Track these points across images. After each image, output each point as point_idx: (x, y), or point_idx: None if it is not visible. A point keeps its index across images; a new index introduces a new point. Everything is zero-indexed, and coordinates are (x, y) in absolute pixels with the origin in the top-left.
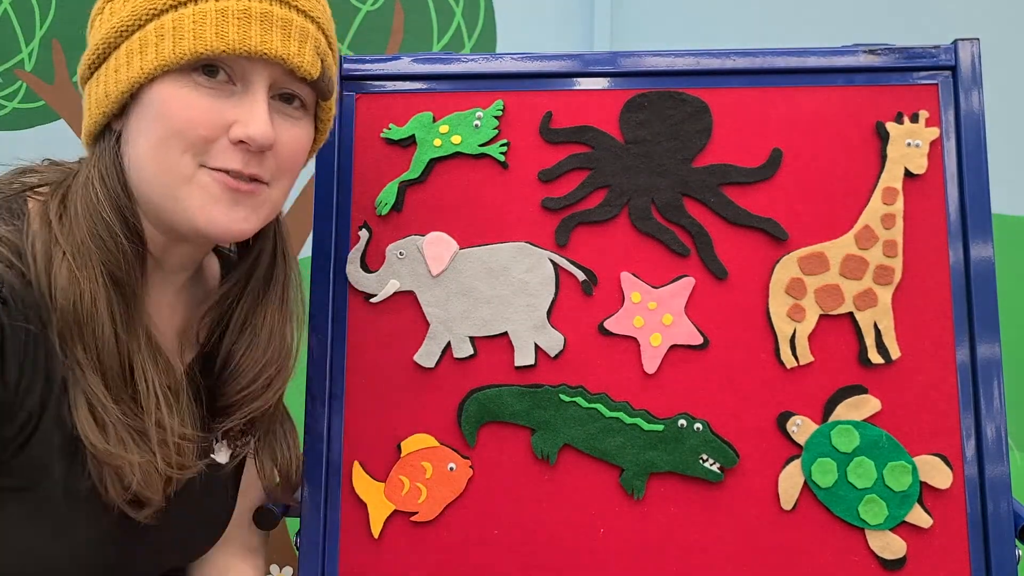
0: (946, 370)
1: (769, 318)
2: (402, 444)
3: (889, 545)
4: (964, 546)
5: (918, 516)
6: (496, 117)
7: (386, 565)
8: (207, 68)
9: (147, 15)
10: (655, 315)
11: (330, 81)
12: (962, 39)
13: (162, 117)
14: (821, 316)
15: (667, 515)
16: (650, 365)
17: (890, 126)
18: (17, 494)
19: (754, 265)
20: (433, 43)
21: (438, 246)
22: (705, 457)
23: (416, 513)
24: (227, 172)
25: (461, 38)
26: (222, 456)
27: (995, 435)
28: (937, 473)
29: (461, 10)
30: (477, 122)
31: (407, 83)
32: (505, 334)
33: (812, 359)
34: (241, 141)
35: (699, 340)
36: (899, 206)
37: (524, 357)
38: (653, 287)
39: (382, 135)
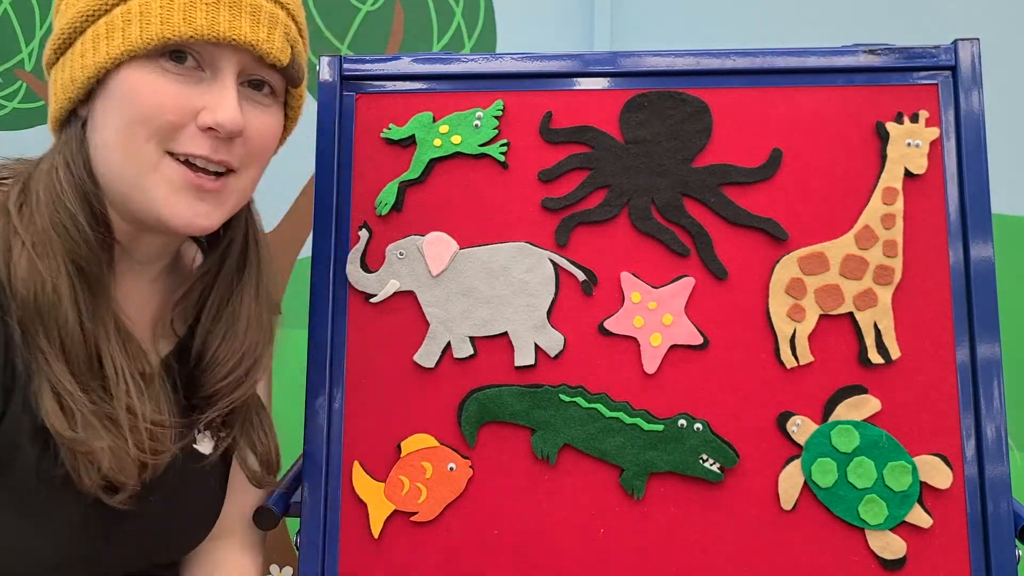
0: (946, 370)
1: (769, 318)
2: (402, 444)
3: (889, 545)
4: (964, 546)
5: (918, 516)
6: (496, 117)
7: (386, 565)
8: (175, 54)
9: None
10: (655, 315)
11: (300, 68)
12: (962, 39)
13: (129, 103)
14: (821, 316)
15: (667, 515)
16: (650, 365)
17: (890, 126)
18: None
19: (754, 265)
20: (433, 43)
21: (438, 246)
22: (705, 457)
23: (416, 513)
24: (194, 158)
25: (461, 38)
26: (205, 447)
27: (995, 435)
28: (937, 473)
29: (461, 10)
30: (477, 122)
31: (407, 83)
32: (505, 334)
33: (812, 359)
34: (210, 128)
35: (699, 340)
36: (899, 206)
37: (524, 357)
38: (653, 287)
39: (382, 135)
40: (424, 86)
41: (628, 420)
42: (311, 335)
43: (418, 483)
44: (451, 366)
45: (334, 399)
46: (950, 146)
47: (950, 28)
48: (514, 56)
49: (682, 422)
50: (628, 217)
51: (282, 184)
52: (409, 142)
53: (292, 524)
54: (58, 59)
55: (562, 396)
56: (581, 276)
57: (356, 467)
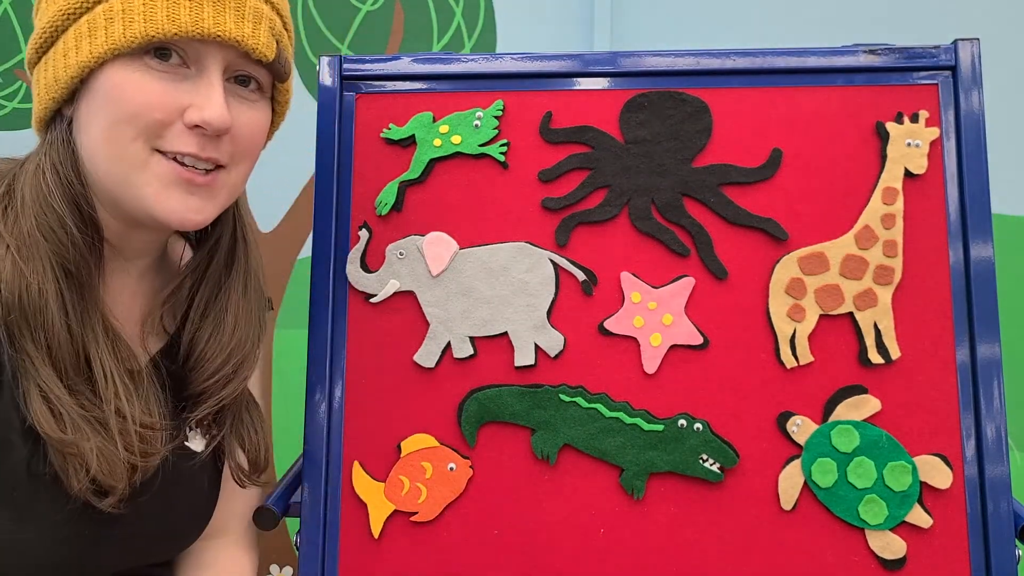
0: (946, 370)
1: (769, 318)
2: (402, 444)
3: (889, 545)
4: (964, 546)
5: (918, 516)
6: (496, 117)
7: (386, 565)
8: (159, 51)
9: None
10: (655, 315)
11: (286, 63)
12: (962, 39)
13: (114, 102)
14: (821, 316)
15: (667, 515)
16: (650, 365)
17: (890, 126)
18: None
19: (754, 265)
20: (433, 43)
21: (438, 246)
22: (705, 457)
23: (416, 513)
24: (183, 158)
25: (461, 38)
26: (197, 444)
27: (995, 435)
28: (937, 473)
29: (461, 10)
30: (477, 122)
31: (407, 83)
32: (505, 334)
33: (812, 359)
34: (197, 125)
35: (699, 340)
36: (899, 206)
37: (524, 357)
38: (653, 287)
39: (382, 135)
40: (424, 86)
41: (628, 420)
42: (311, 335)
43: (418, 483)
44: (451, 366)
45: (334, 399)
46: (950, 146)
47: (950, 28)
48: (514, 56)
49: (682, 422)
50: (628, 217)
51: (282, 184)
52: (409, 142)
53: (292, 524)
54: (40, 59)
55: (562, 396)
56: (581, 276)
57: (356, 467)
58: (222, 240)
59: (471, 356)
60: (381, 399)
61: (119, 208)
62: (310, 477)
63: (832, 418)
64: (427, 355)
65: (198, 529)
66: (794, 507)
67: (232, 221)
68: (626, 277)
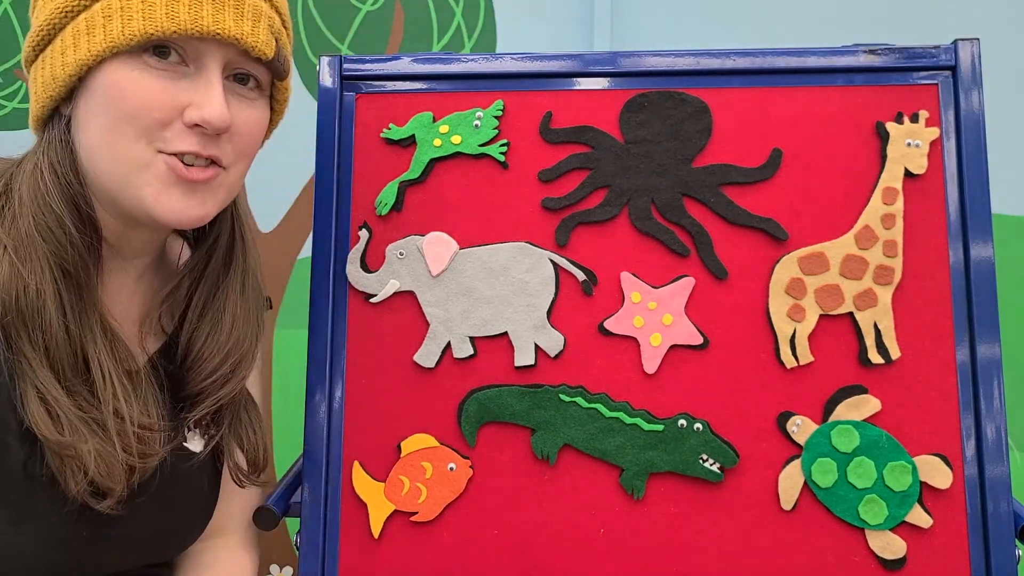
0: (946, 370)
1: (769, 318)
2: (402, 444)
3: (889, 545)
4: (964, 546)
5: (918, 516)
6: (496, 117)
7: (386, 565)
8: (158, 49)
9: None
10: (655, 315)
11: (285, 61)
12: (962, 39)
13: (113, 101)
14: (821, 316)
15: (667, 515)
16: (650, 365)
17: (890, 126)
18: None
19: (754, 265)
20: (433, 43)
21: (438, 246)
22: (705, 457)
23: (416, 513)
24: (183, 156)
25: (461, 38)
26: (195, 445)
27: (995, 435)
28: (937, 473)
29: (461, 10)
30: (477, 122)
31: (407, 83)
32: (505, 334)
33: (812, 359)
34: (197, 124)
35: (699, 340)
36: (899, 206)
37: (524, 357)
38: (653, 287)
39: (382, 135)
40: (424, 86)
41: (628, 420)
42: (311, 335)
43: (418, 483)
44: (451, 366)
45: (334, 399)
46: (950, 146)
47: (950, 28)
48: (514, 56)
49: (682, 422)
50: (628, 217)
51: (282, 184)
52: (409, 142)
53: (292, 524)
54: (37, 57)
55: (562, 396)
56: (581, 276)
57: (356, 467)
58: (220, 239)
59: (471, 356)
60: (381, 399)
61: (117, 207)
62: (310, 477)
63: (832, 418)
64: (427, 355)
65: (197, 530)
66: (794, 507)
67: (230, 220)
68: (626, 277)
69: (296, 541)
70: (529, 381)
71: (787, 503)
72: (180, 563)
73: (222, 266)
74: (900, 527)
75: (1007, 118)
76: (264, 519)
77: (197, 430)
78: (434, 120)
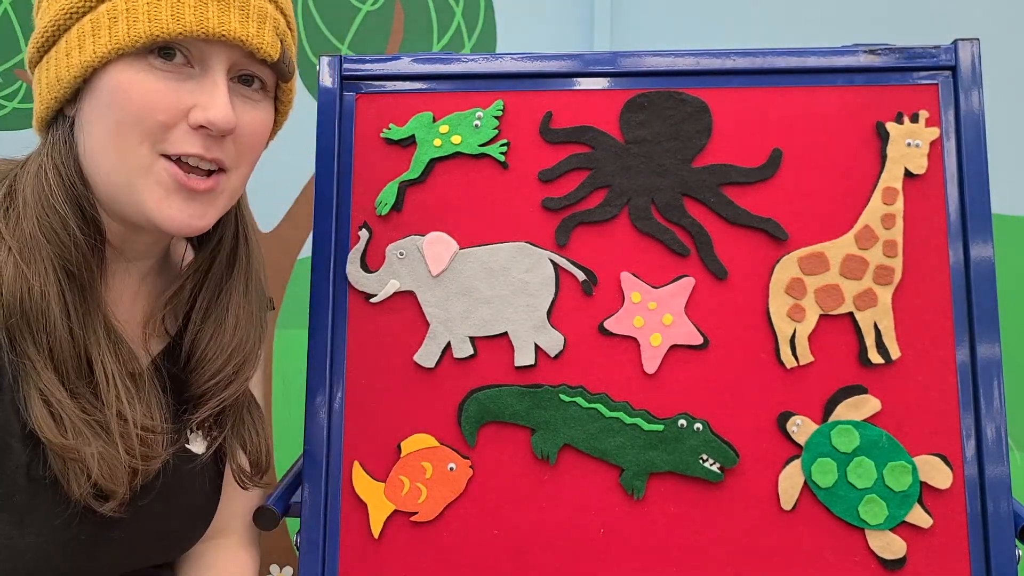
0: (946, 370)
1: (769, 318)
2: (402, 444)
3: (889, 545)
4: (964, 546)
5: (918, 516)
6: (496, 117)
7: (386, 565)
8: (163, 51)
9: None
10: (655, 315)
11: (290, 62)
12: (962, 39)
13: (118, 103)
14: (821, 316)
15: (667, 515)
16: (650, 365)
17: (890, 126)
18: None
19: (754, 265)
20: (433, 43)
21: (438, 246)
22: (705, 457)
23: (416, 513)
24: (187, 157)
25: (461, 38)
26: (198, 446)
27: (995, 435)
28: (937, 473)
29: (461, 10)
30: (477, 122)
31: (407, 83)
32: (505, 334)
33: (812, 359)
34: (201, 126)
35: (699, 340)
36: (899, 206)
37: (524, 357)
38: (653, 287)
39: (382, 135)
40: (424, 86)
41: (628, 420)
42: (311, 335)
43: (418, 483)
44: (451, 366)
45: (334, 399)
46: (950, 146)
47: (950, 28)
48: (514, 56)
49: (682, 422)
50: (628, 217)
51: (282, 184)
52: (409, 142)
53: (292, 524)
54: (42, 58)
55: (562, 396)
56: (581, 276)
57: (356, 467)
58: (224, 241)
59: (471, 356)
60: (381, 399)
61: (119, 210)
62: (310, 477)
63: (832, 418)
64: (427, 355)
65: (199, 531)
66: (794, 507)
67: (234, 221)
68: (626, 277)
69: (296, 541)
70: (529, 381)
71: (787, 503)
72: (181, 563)
73: (226, 267)
74: (900, 527)
75: (1007, 118)
76: (264, 519)
77: (199, 432)
78: (434, 120)
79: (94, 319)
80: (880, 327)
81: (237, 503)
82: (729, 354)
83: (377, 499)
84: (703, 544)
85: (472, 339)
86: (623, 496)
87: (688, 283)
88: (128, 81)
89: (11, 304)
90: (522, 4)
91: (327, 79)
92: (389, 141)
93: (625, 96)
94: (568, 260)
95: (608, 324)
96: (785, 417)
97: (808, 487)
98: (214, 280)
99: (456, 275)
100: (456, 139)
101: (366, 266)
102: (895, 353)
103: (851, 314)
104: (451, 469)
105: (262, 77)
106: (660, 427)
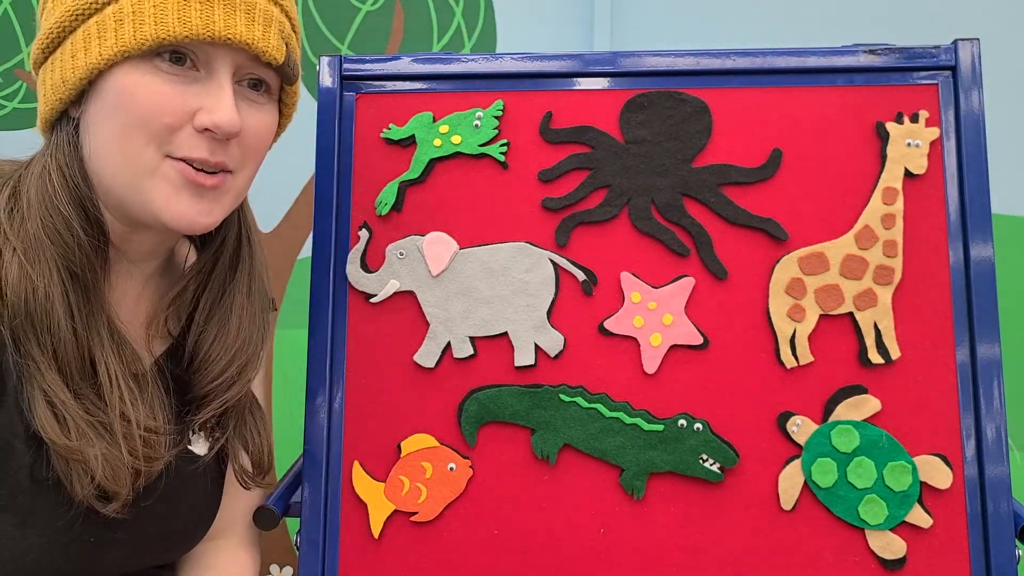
0: (946, 370)
1: (769, 318)
2: (402, 444)
3: (889, 545)
4: (964, 546)
5: (918, 516)
6: (496, 117)
7: (386, 565)
8: (169, 54)
9: None
10: (655, 315)
11: (295, 65)
12: (962, 39)
13: (124, 105)
14: (821, 316)
15: (667, 515)
16: (650, 365)
17: (890, 126)
18: None
19: (754, 265)
20: (433, 43)
21: (438, 246)
22: (705, 457)
23: (416, 513)
24: (192, 161)
25: (461, 38)
26: (200, 447)
27: (995, 435)
28: (937, 473)
29: (461, 10)
30: (477, 122)
31: (407, 83)
32: (505, 334)
33: (812, 359)
34: (207, 129)
35: (699, 340)
36: (899, 206)
37: (524, 357)
38: (653, 287)
39: (382, 135)
40: (424, 86)
41: (628, 420)
42: (311, 335)
43: (418, 483)
44: (451, 366)
45: (334, 399)
46: (950, 146)
47: (950, 28)
48: (514, 56)
49: (682, 422)
50: (628, 217)
51: (282, 184)
52: (409, 142)
53: (292, 524)
54: (46, 59)
55: (562, 396)
56: (581, 276)
57: (356, 467)
58: (227, 242)
59: (471, 356)
60: (381, 399)
61: (125, 211)
62: (310, 477)
63: (832, 418)
64: (427, 355)
65: (201, 531)
66: (794, 507)
67: (237, 223)
68: (626, 277)
69: (296, 541)
70: (529, 381)
71: (787, 503)
72: (181, 564)
73: (228, 269)
74: (900, 527)
75: (1007, 118)
76: (264, 519)
77: (202, 433)
78: (434, 120)
79: (98, 320)
80: (880, 327)
81: (238, 503)
82: (729, 354)
83: (377, 499)
84: (703, 544)
85: (472, 339)
86: (623, 496)
87: (688, 283)
88: (134, 83)
89: (15, 305)
90: (522, 4)
91: (327, 79)
92: (389, 141)
93: (625, 96)
94: (568, 260)
95: (608, 324)
96: (785, 417)
97: (808, 487)
98: (217, 281)
99: (456, 275)
100: (456, 139)
101: (366, 266)
102: (895, 353)
103: (851, 314)
104: (451, 469)
105: (267, 80)
106: (660, 427)
